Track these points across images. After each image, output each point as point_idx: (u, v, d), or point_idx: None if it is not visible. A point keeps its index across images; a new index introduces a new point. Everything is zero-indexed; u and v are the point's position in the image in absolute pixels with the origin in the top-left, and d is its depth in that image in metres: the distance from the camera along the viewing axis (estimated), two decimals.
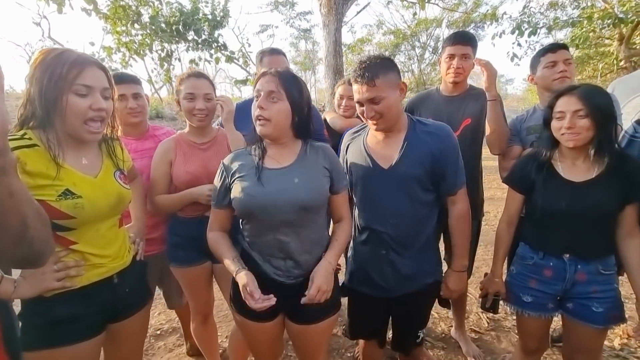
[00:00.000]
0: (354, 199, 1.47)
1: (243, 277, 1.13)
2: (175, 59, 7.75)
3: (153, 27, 6.40)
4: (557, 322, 1.72)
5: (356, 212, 1.46)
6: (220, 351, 2.04)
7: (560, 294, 1.36)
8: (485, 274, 1.55)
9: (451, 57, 1.80)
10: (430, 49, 16.98)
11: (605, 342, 1.57)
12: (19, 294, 0.94)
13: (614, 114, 1.25)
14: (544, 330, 1.46)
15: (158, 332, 2.40)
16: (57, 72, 0.95)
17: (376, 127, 1.34)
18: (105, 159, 1.15)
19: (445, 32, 15.90)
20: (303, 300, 1.12)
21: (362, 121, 2.10)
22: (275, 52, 1.98)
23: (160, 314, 2.59)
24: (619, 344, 2.12)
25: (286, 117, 1.15)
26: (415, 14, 14.07)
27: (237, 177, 1.18)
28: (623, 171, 1.23)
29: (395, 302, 1.45)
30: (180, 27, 6.69)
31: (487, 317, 2.44)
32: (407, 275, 1.37)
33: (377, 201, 1.37)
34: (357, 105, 1.34)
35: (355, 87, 1.30)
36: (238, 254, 1.22)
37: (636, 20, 5.98)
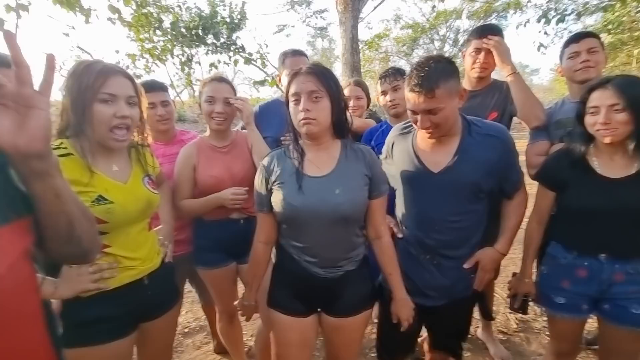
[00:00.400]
0: (397, 200, 1.42)
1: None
2: (196, 62, 7.96)
3: (174, 33, 6.59)
4: (590, 323, 1.65)
5: (399, 214, 1.41)
6: (246, 349, 2.08)
7: (595, 294, 1.30)
8: (514, 274, 1.50)
9: (477, 51, 1.73)
10: (450, 42, 16.50)
11: None
12: (59, 294, 0.99)
13: None
14: (577, 332, 1.41)
15: (186, 330, 2.47)
16: (85, 81, 0.99)
17: (430, 136, 1.24)
18: (135, 165, 1.19)
19: (465, 23, 15.40)
20: None
21: (375, 122, 2.05)
22: (297, 54, 1.98)
23: (187, 312, 2.67)
24: None
25: (329, 114, 1.13)
26: (434, 6, 13.71)
27: (278, 183, 1.17)
28: None
29: (430, 311, 1.37)
30: (199, 31, 6.86)
31: (516, 318, 2.36)
32: (448, 284, 1.32)
33: (424, 206, 1.31)
34: (409, 113, 1.23)
35: (410, 95, 1.18)
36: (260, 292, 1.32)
37: None
